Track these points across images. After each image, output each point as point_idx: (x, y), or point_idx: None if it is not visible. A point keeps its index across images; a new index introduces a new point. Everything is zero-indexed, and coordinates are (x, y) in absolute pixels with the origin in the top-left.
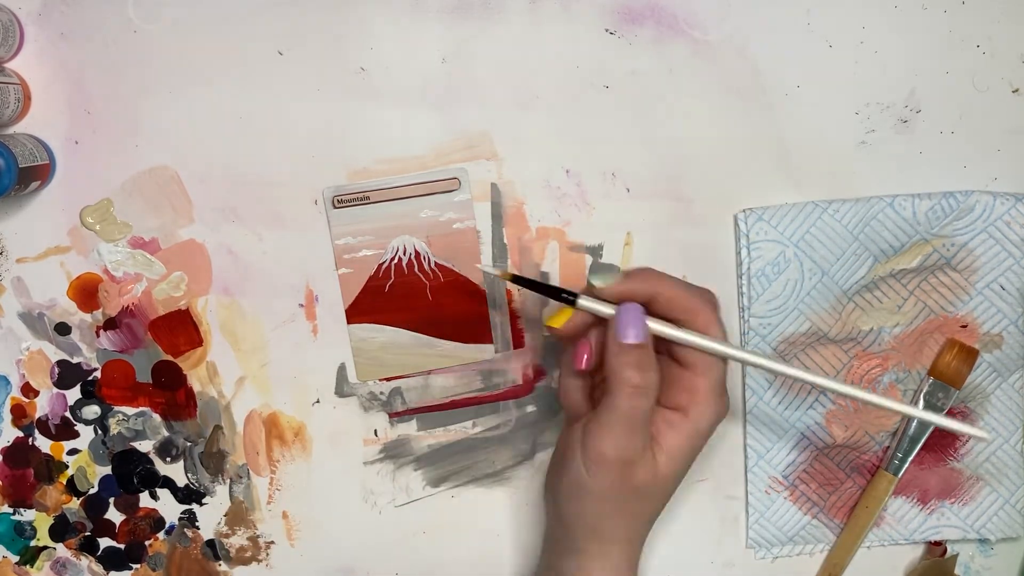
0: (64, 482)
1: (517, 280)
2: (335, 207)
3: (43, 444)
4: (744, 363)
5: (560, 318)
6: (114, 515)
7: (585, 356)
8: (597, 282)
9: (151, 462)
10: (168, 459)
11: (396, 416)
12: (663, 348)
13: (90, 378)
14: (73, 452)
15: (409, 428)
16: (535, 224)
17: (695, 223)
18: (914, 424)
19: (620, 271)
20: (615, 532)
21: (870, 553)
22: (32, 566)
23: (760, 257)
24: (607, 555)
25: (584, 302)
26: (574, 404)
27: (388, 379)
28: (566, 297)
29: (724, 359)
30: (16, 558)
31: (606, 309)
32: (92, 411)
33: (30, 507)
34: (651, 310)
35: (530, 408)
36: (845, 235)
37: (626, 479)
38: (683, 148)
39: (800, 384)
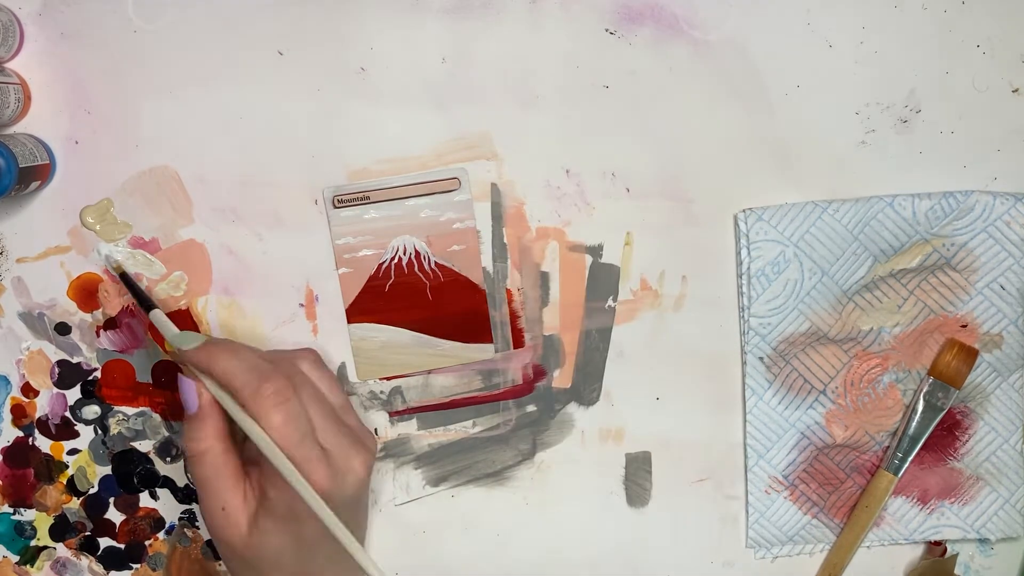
0: (64, 482)
1: (124, 278)
2: (335, 207)
3: (43, 444)
4: (275, 466)
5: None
6: (114, 515)
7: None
8: (172, 344)
9: (151, 462)
10: (168, 459)
11: (396, 415)
12: None
13: (90, 378)
14: (73, 452)
15: (409, 427)
16: (535, 224)
17: (695, 223)
18: (914, 423)
19: (203, 339)
20: None
21: (870, 553)
22: (32, 566)
23: (760, 257)
24: None
25: (154, 316)
26: None
27: (388, 378)
28: (147, 305)
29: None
30: (16, 558)
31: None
32: (92, 411)
33: (30, 507)
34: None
35: (530, 408)
36: (845, 235)
37: (222, 539)
38: (683, 148)
39: (800, 384)
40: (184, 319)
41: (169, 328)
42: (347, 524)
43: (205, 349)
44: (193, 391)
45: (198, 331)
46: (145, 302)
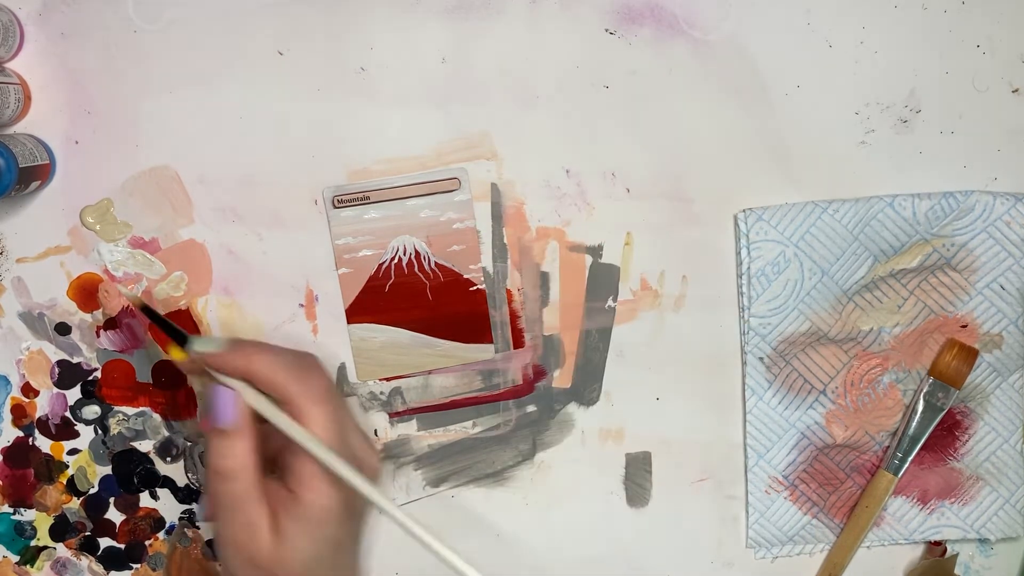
0: (64, 482)
1: (145, 310)
2: (335, 207)
3: (43, 444)
4: (329, 467)
5: (177, 354)
6: (114, 515)
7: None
8: (198, 347)
9: (151, 462)
10: (168, 459)
11: (396, 416)
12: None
13: (90, 378)
14: (73, 452)
15: (409, 428)
16: (535, 224)
17: (695, 223)
18: (914, 423)
19: (225, 341)
20: None
21: (870, 553)
22: (32, 566)
23: (760, 257)
24: None
25: (195, 344)
26: None
27: (388, 379)
28: (179, 337)
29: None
30: (16, 558)
31: (218, 377)
32: (92, 411)
33: (30, 507)
34: (256, 387)
35: (530, 408)
36: (845, 235)
37: (246, 559)
38: (683, 148)
39: (800, 384)
40: (184, 319)
41: (199, 337)
42: (355, 537)
43: (241, 349)
44: (232, 402)
45: (198, 333)
46: (175, 332)
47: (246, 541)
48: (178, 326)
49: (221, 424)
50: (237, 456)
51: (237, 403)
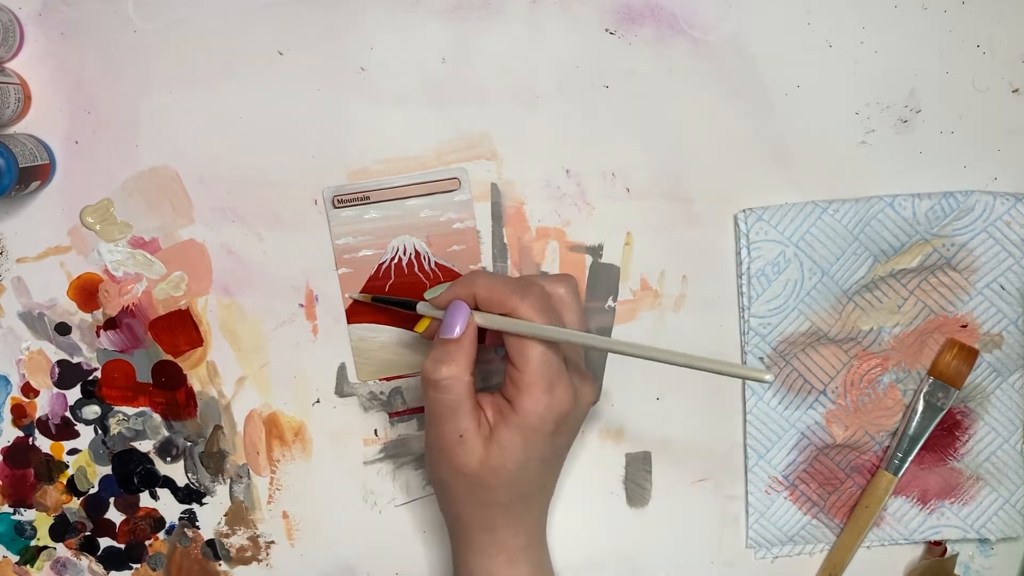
0: (64, 482)
1: (377, 300)
2: (335, 207)
3: (43, 444)
4: (556, 340)
5: (421, 325)
6: (114, 515)
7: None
8: (428, 295)
9: (151, 462)
10: (168, 459)
11: (396, 416)
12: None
13: (90, 378)
14: (73, 452)
15: (409, 428)
16: (535, 224)
17: (695, 223)
18: (914, 423)
19: (448, 284)
20: (472, 519)
21: (870, 553)
22: (32, 566)
23: (760, 257)
24: (472, 542)
25: (421, 307)
26: None
27: (388, 379)
28: (412, 306)
29: (546, 353)
30: (16, 558)
31: (437, 313)
32: (92, 411)
33: (30, 507)
34: (481, 309)
35: None
36: (845, 235)
37: (454, 467)
38: (683, 148)
39: (800, 384)
40: (184, 319)
41: (427, 291)
42: (558, 456)
43: (462, 280)
44: (464, 314)
45: (198, 333)
46: (406, 304)
47: (456, 452)
48: (406, 299)
49: (447, 333)
50: (456, 364)
51: (466, 316)
